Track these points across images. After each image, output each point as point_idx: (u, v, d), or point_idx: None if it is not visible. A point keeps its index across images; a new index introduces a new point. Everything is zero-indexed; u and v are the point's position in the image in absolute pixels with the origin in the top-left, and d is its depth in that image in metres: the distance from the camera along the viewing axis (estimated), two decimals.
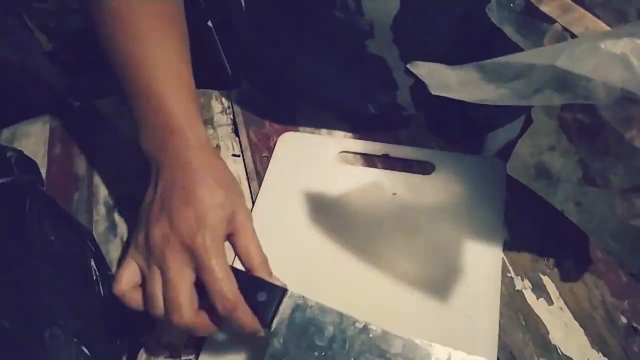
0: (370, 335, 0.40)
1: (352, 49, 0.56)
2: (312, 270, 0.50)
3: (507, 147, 0.73)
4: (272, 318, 0.41)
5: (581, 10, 0.38)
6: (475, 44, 0.56)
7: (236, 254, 0.43)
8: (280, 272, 0.44)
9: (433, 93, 0.35)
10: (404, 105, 0.62)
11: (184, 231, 0.40)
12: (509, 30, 0.40)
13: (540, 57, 0.33)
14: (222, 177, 0.44)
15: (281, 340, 0.40)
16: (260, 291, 0.41)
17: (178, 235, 0.40)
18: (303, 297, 0.42)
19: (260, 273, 0.42)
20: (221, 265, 0.39)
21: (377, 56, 0.56)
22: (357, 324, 0.41)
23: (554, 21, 0.39)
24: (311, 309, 0.41)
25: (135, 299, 0.41)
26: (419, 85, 0.60)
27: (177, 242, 0.40)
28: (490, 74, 0.35)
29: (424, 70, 0.37)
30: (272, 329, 0.41)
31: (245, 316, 0.40)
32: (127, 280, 0.41)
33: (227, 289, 0.39)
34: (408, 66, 0.37)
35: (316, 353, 0.40)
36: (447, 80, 0.36)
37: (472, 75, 0.36)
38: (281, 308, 0.41)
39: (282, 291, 0.42)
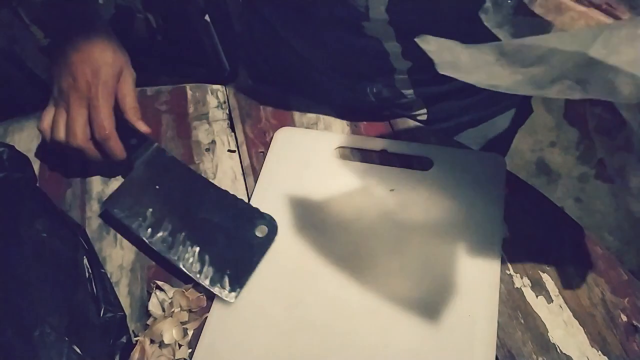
0: (211, 191, 0.55)
1: (349, 32, 0.55)
2: (305, 266, 0.49)
3: (503, 136, 0.72)
4: (137, 157, 0.56)
5: (579, 7, 0.33)
6: (475, 26, 0.54)
7: (117, 100, 0.56)
8: (275, 265, 0.46)
9: (440, 72, 0.32)
10: (403, 91, 0.61)
11: (83, 84, 0.54)
12: (503, 36, 0.37)
13: (570, 42, 0.29)
14: (111, 42, 0.57)
15: (139, 173, 0.56)
16: (134, 137, 0.56)
17: (79, 86, 0.54)
18: (164, 150, 0.58)
19: (131, 117, 0.56)
20: (105, 106, 0.54)
21: (374, 39, 0.55)
22: (201, 182, 0.56)
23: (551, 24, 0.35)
24: (168, 159, 0.57)
25: (48, 133, 0.56)
26: (417, 69, 0.59)
27: (77, 91, 0.54)
28: (509, 57, 0.31)
29: (433, 45, 0.33)
30: (135, 165, 0.56)
31: (115, 145, 0.54)
32: (47, 119, 0.56)
33: (105, 122, 0.53)
34: (416, 40, 0.34)
35: (158, 187, 0.55)
36: (458, 59, 0.32)
37: (487, 56, 0.31)
38: (146, 153, 0.56)
39: (151, 142, 0.57)
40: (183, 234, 0.51)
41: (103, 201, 0.56)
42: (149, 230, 0.52)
